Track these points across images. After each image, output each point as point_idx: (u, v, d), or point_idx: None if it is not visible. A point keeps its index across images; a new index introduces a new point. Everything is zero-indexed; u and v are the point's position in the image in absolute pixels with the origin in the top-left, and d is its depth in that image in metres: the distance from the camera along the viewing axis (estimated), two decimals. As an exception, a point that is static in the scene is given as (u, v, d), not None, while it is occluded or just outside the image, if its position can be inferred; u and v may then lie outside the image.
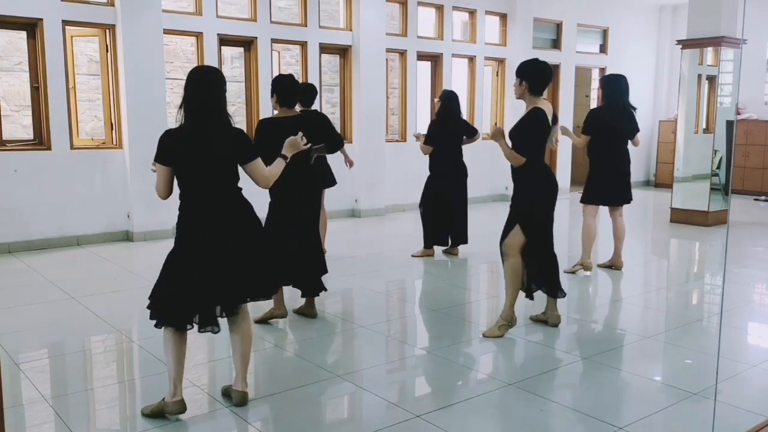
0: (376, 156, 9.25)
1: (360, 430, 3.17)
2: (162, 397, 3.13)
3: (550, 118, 4.20)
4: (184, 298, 3.03)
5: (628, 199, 5.94)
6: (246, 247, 3.15)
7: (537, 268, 4.35)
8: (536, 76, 4.15)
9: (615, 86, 5.75)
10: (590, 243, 5.86)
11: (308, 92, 5.67)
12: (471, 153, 9.59)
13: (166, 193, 3.12)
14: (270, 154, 4.22)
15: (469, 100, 10.48)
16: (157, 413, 3.10)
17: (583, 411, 3.24)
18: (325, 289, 4.71)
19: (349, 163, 6.67)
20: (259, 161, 3.22)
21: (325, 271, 4.70)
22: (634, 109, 5.82)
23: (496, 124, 10.73)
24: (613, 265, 6.07)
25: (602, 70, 12.05)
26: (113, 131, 7.43)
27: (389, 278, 6.04)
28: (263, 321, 4.52)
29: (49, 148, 6.95)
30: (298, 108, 4.82)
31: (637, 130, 5.85)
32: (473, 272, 6.41)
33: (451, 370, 3.85)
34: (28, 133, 8.00)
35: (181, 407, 3.08)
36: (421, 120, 9.72)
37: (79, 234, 7.15)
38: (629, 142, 5.85)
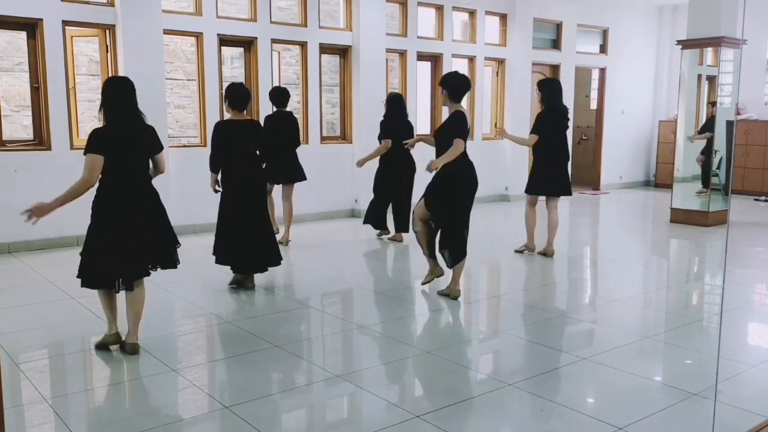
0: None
1: (360, 430, 3.17)
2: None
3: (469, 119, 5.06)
4: (109, 263, 3.78)
5: (567, 192, 6.60)
6: (157, 221, 3.89)
7: (441, 238, 5.13)
8: (455, 87, 4.95)
9: (548, 90, 6.44)
10: (531, 229, 6.74)
11: (282, 95, 6.85)
12: (472, 152, 9.62)
13: (98, 179, 3.73)
14: (223, 151, 5.09)
15: (469, 100, 10.47)
16: (101, 346, 3.95)
17: (583, 411, 3.24)
18: (277, 264, 5.33)
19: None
20: (163, 153, 4.00)
21: (277, 252, 5.31)
22: (567, 109, 6.60)
23: (496, 124, 10.75)
24: (546, 253, 6.62)
25: (602, 70, 12.04)
26: (113, 131, 7.42)
27: (389, 278, 6.04)
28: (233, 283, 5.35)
29: (49, 148, 6.95)
30: (273, 108, 6.81)
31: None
32: (473, 272, 6.41)
33: (451, 370, 3.85)
34: (28, 133, 8.00)
35: (116, 338, 3.93)
36: (421, 120, 9.72)
37: (78, 234, 7.05)
38: (568, 139, 6.66)
